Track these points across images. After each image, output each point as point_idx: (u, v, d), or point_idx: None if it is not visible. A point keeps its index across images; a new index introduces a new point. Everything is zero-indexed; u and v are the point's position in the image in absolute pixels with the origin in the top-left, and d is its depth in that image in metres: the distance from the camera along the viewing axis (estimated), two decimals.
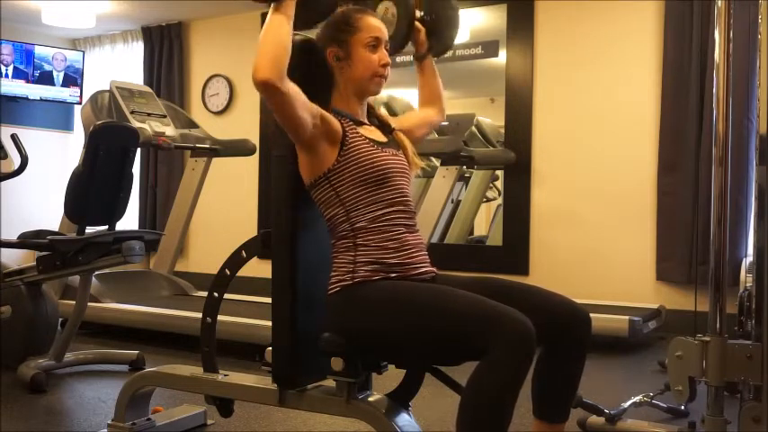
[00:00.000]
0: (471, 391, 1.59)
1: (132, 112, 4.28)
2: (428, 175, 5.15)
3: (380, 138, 2.00)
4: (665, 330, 4.40)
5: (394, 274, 1.84)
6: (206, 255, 6.48)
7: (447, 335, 1.67)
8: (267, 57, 1.72)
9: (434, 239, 5.11)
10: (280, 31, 1.75)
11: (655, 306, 4.47)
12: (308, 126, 1.81)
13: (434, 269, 1.95)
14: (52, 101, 6.85)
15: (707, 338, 1.79)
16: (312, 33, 2.01)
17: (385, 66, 1.96)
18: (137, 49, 6.98)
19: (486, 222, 5.96)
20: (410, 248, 1.89)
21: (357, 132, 1.93)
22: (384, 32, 1.98)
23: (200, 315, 2.25)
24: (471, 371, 1.60)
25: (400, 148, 2.02)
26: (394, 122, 2.09)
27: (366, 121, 2.03)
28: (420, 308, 1.72)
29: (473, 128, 5.22)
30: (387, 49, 1.98)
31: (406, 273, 1.86)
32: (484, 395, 1.57)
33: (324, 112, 1.86)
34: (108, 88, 4.44)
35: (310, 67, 1.95)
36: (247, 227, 6.06)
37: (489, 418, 1.56)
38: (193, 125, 4.89)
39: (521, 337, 1.55)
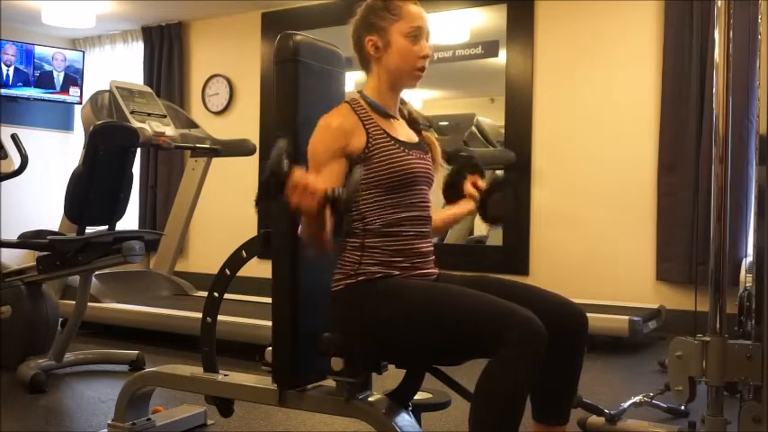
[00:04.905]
0: (485, 388, 1.58)
1: (132, 112, 4.27)
2: None
3: (408, 136, 1.94)
4: (665, 330, 4.39)
5: (397, 272, 1.83)
6: (206, 255, 6.48)
7: (458, 333, 1.65)
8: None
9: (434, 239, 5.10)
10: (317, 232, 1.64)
11: (655, 306, 4.47)
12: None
13: (437, 269, 1.95)
14: (52, 101, 6.85)
15: (707, 338, 1.78)
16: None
17: (425, 58, 1.87)
18: (137, 49, 6.98)
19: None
20: (418, 257, 1.88)
21: (382, 133, 1.86)
22: (426, 22, 1.88)
23: (200, 315, 2.25)
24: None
25: (428, 150, 1.97)
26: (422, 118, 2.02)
27: (397, 115, 1.96)
28: (429, 306, 1.70)
29: (473, 128, 5.22)
30: (428, 40, 1.89)
31: (410, 275, 1.85)
32: (499, 392, 1.57)
33: (347, 137, 1.80)
34: (108, 88, 4.43)
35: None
36: (247, 227, 6.03)
37: (505, 414, 1.56)
38: (193, 125, 4.88)
39: (534, 334, 1.56)
